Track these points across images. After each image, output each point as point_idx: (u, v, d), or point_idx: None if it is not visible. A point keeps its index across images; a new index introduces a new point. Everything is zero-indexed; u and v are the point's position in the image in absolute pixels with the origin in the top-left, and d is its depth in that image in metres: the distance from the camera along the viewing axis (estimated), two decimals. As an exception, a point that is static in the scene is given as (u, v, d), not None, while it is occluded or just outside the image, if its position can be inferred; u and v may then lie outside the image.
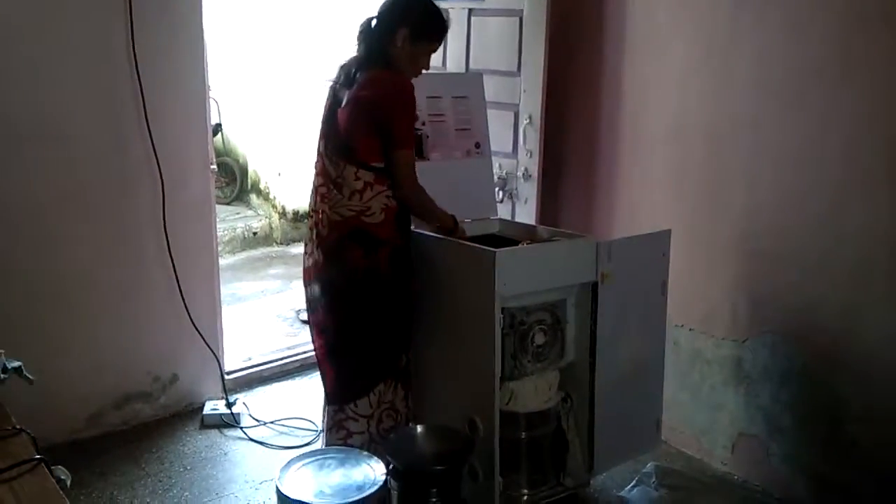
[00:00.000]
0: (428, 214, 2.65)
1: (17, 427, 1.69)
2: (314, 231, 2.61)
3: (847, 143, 2.59)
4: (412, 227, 2.69)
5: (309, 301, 2.70)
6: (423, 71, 2.64)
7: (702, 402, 3.15)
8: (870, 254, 2.56)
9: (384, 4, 2.56)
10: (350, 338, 2.61)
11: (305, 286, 2.70)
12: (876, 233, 2.53)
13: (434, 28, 2.57)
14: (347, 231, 2.53)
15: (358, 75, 2.55)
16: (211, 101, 3.45)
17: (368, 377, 2.63)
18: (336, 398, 2.67)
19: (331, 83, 2.65)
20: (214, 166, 3.49)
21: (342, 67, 2.62)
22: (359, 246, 2.53)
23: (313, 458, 2.43)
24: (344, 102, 2.54)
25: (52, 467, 1.58)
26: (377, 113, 2.47)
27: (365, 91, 2.49)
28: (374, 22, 2.55)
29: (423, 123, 2.94)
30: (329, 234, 2.56)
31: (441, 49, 3.73)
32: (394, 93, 2.47)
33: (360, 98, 2.49)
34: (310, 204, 2.65)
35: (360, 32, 2.58)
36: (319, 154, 2.60)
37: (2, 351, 1.86)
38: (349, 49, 2.64)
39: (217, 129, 6.04)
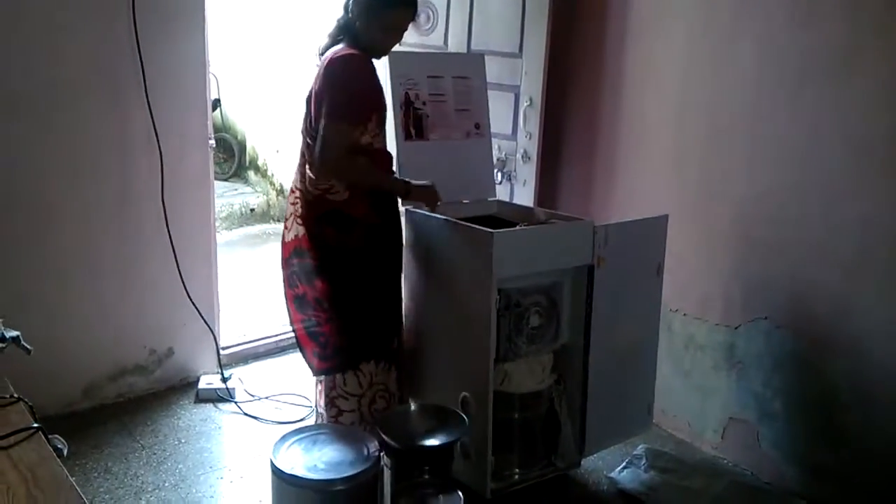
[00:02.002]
0: (367, 184, 2.56)
1: (15, 396, 1.70)
2: (294, 207, 2.65)
3: (845, 134, 2.60)
4: (400, 206, 2.70)
5: (287, 276, 2.72)
6: (396, 48, 2.63)
7: (694, 386, 3.18)
8: (865, 244, 2.57)
9: None
10: (329, 313, 2.62)
11: (284, 261, 2.72)
12: (872, 224, 2.54)
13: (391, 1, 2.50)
14: (322, 211, 2.55)
15: (325, 54, 2.55)
16: (210, 76, 3.43)
17: (349, 354, 2.62)
18: (316, 370, 2.70)
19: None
20: (213, 142, 3.48)
21: (319, 47, 2.63)
22: (330, 225, 2.55)
23: (307, 434, 2.45)
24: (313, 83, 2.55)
25: (50, 436, 1.60)
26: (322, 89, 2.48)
27: (321, 71, 2.50)
28: None
29: (424, 103, 2.93)
30: (307, 211, 2.59)
31: (443, 29, 3.75)
32: (335, 68, 2.45)
33: (318, 78, 2.50)
34: (293, 181, 2.69)
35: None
36: (301, 133, 2.62)
37: (0, 319, 1.87)
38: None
39: (216, 104, 6.02)
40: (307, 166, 2.57)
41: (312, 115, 2.53)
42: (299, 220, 2.62)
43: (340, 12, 2.58)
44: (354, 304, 2.60)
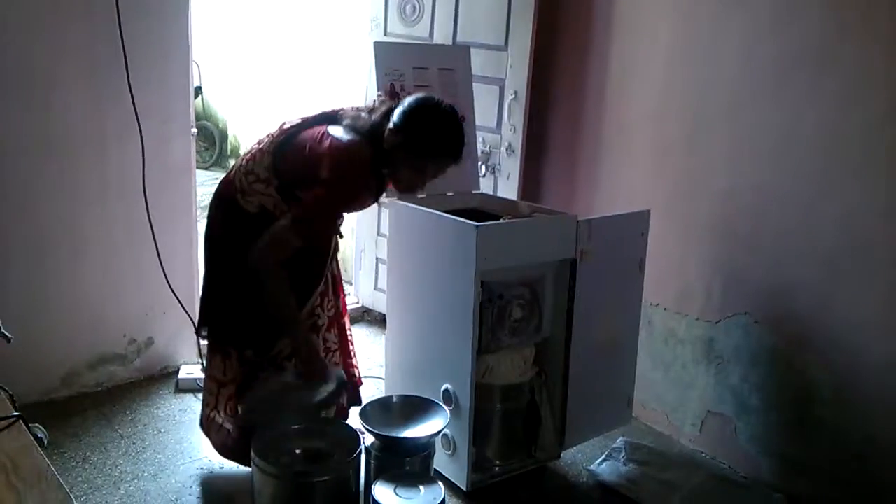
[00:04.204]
0: (275, 311, 2.32)
1: (-6, 384, 1.69)
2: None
3: (827, 130, 2.62)
4: None
5: None
6: (418, 190, 2.47)
7: (673, 380, 3.21)
8: (843, 241, 2.60)
9: (407, 104, 2.31)
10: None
11: None
12: (852, 221, 2.57)
13: (431, 148, 2.29)
14: (226, 197, 2.46)
15: (342, 127, 2.34)
16: (192, 63, 3.40)
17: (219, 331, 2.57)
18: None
19: (329, 111, 2.49)
20: (195, 130, 3.46)
21: (348, 109, 2.45)
22: (222, 213, 2.47)
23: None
24: (312, 132, 2.36)
25: (30, 425, 1.59)
26: (310, 169, 2.28)
27: (324, 148, 2.29)
28: (397, 109, 2.31)
29: (409, 94, 2.92)
30: (219, 189, 2.52)
31: (429, 21, 3.75)
32: (340, 172, 2.24)
33: (317, 150, 2.30)
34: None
35: (384, 99, 2.40)
36: (260, 142, 2.47)
37: (-21, 308, 1.85)
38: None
39: (198, 92, 5.97)
40: (249, 169, 2.41)
41: (284, 158, 2.35)
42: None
43: (376, 110, 2.34)
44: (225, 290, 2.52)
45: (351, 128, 2.33)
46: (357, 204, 2.43)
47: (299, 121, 2.45)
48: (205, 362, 2.68)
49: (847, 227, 2.59)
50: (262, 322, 2.43)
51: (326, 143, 2.28)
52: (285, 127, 2.45)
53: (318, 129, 2.35)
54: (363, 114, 2.39)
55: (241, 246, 2.31)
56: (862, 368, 2.56)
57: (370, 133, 2.31)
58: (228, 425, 2.58)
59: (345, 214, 2.54)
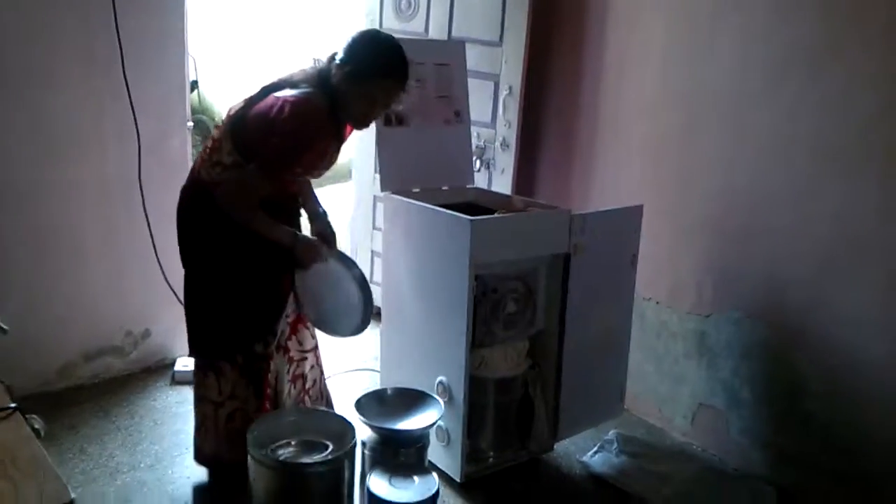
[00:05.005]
0: (258, 232, 2.38)
1: (-8, 376, 1.71)
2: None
3: (822, 126, 2.64)
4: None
5: None
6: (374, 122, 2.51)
7: (665, 373, 3.24)
8: (837, 239, 2.62)
9: (349, 39, 2.37)
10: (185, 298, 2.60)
11: None
12: (845, 219, 2.59)
13: (376, 70, 2.33)
14: (198, 192, 2.46)
15: (291, 87, 2.36)
16: (188, 58, 3.41)
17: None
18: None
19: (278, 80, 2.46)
20: (191, 124, 3.47)
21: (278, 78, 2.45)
22: (195, 208, 2.48)
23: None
24: (264, 103, 2.36)
25: (27, 416, 1.60)
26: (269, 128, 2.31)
27: (269, 107, 2.33)
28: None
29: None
30: (187, 183, 2.53)
31: (424, 16, 3.76)
32: (284, 117, 2.27)
33: (263, 110, 2.34)
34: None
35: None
36: (212, 138, 2.49)
37: (-23, 300, 1.87)
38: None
39: (194, 85, 5.96)
40: (211, 149, 2.45)
41: (244, 135, 2.37)
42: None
43: (320, 58, 2.41)
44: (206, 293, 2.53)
45: (300, 83, 2.37)
46: (317, 148, 2.39)
47: (242, 103, 2.44)
48: (197, 391, 2.59)
49: (839, 224, 2.61)
50: (255, 307, 2.47)
51: (279, 103, 2.31)
52: (231, 112, 2.46)
53: (269, 99, 2.36)
54: (308, 70, 2.44)
55: (219, 231, 2.40)
56: (853, 363, 2.58)
57: (319, 81, 2.37)
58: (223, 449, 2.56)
59: (312, 166, 2.48)
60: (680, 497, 2.72)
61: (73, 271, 3.19)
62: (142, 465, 2.75)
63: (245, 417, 2.49)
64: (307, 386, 2.73)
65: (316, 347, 2.78)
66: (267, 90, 2.40)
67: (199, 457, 2.63)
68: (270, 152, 2.29)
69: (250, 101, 2.41)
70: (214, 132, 2.50)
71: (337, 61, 2.35)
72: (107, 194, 3.20)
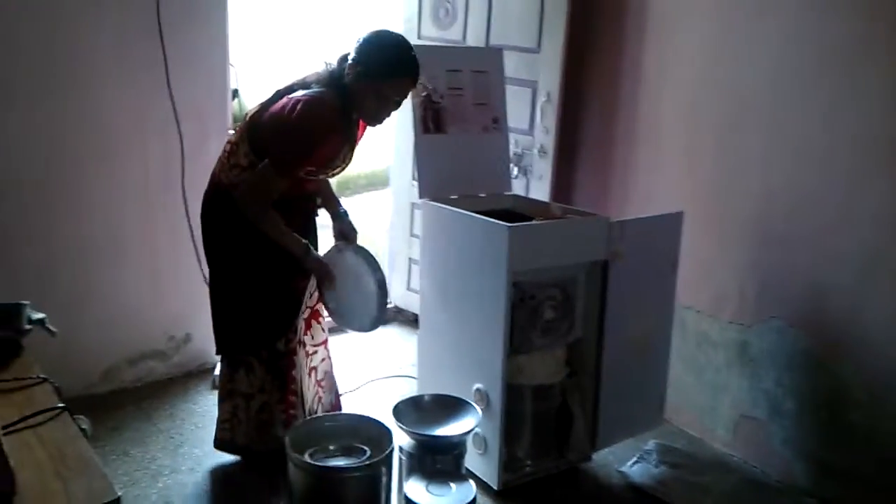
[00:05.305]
0: (271, 237, 2.47)
1: (41, 376, 1.74)
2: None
3: (863, 128, 2.59)
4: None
5: None
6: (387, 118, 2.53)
7: (706, 383, 3.19)
8: (880, 243, 2.57)
9: (360, 39, 2.45)
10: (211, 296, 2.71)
11: None
12: (888, 222, 2.54)
13: (386, 69, 2.40)
14: (219, 195, 2.56)
15: (304, 89, 2.45)
16: (229, 66, 3.47)
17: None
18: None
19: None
20: (232, 131, 3.51)
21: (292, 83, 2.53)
22: (216, 206, 2.58)
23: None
24: (279, 105, 2.44)
25: (75, 416, 1.64)
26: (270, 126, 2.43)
27: (280, 109, 2.41)
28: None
29: (442, 97, 2.96)
30: (208, 188, 2.64)
31: (462, 23, 3.77)
32: (295, 117, 2.36)
33: (276, 111, 2.43)
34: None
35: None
36: (230, 141, 2.58)
37: (28, 303, 1.91)
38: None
39: (235, 94, 6.06)
40: (229, 152, 2.55)
41: (260, 136, 2.46)
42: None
43: (331, 62, 2.48)
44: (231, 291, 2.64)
45: (312, 84, 2.46)
46: (328, 145, 2.45)
47: (258, 107, 2.54)
48: (226, 386, 2.72)
49: (883, 228, 2.56)
50: (273, 306, 2.60)
51: (291, 102, 2.39)
52: (248, 117, 2.55)
53: (282, 100, 2.45)
54: (321, 72, 2.51)
55: (239, 234, 2.49)
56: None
57: (331, 81, 2.45)
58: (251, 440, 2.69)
59: (325, 164, 2.53)
60: (721, 509, 2.68)
61: (119, 277, 3.26)
62: (183, 469, 2.79)
63: (271, 410, 2.65)
64: (319, 378, 2.84)
65: (326, 340, 2.89)
66: (280, 93, 2.50)
67: (228, 447, 2.76)
68: (283, 149, 2.38)
69: (265, 105, 2.51)
70: (233, 136, 2.60)
71: (349, 61, 2.43)
72: (150, 198, 3.27)
